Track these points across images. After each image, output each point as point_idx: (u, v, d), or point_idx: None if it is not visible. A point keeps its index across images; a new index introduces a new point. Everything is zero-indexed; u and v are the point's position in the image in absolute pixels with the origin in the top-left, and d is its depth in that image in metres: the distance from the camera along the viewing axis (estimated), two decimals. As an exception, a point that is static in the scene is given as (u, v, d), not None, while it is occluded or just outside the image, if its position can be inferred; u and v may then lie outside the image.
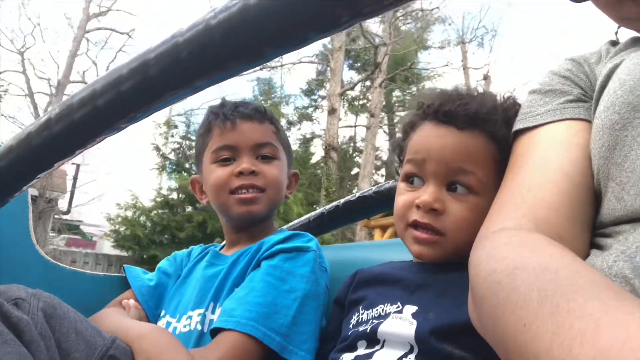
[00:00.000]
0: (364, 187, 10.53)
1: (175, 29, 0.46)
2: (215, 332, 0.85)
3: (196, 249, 1.15)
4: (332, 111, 10.55)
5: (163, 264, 1.15)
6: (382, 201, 1.19)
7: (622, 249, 0.52)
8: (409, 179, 0.81)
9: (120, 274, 1.14)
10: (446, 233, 0.75)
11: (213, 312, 0.94)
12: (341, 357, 0.75)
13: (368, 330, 0.74)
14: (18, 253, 0.92)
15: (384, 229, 8.36)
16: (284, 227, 1.26)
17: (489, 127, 0.76)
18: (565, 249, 0.51)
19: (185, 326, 0.96)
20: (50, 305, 0.68)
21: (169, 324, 0.99)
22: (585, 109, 0.68)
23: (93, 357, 0.69)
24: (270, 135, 1.06)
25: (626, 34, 0.74)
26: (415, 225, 0.77)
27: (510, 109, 0.78)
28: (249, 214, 1.01)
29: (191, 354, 0.76)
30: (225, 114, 1.05)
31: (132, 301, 1.04)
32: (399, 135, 0.87)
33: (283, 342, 0.84)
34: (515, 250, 0.52)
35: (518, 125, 0.72)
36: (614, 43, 0.74)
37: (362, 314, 0.79)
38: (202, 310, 0.95)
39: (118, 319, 0.90)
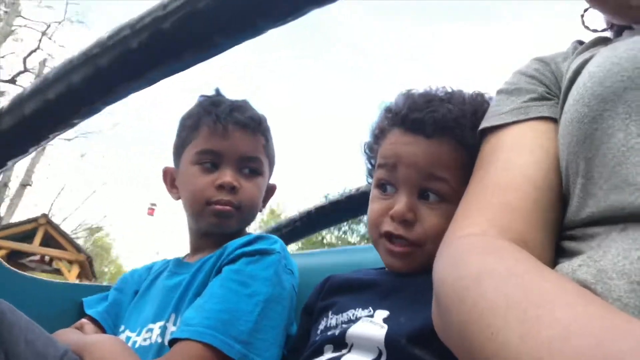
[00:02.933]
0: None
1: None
2: (173, 343, 0.81)
3: (158, 263, 1.12)
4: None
5: (117, 282, 1.12)
6: (353, 206, 1.18)
7: (589, 253, 0.51)
8: (381, 185, 0.80)
9: (83, 282, 1.11)
10: (420, 243, 0.75)
11: (175, 324, 0.90)
12: None
13: (337, 334, 0.73)
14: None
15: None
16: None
17: (458, 134, 0.75)
18: (529, 254, 0.51)
19: (145, 339, 0.92)
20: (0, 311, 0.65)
21: (128, 338, 0.95)
22: (549, 106, 0.68)
23: None
24: (259, 149, 1.02)
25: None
26: (389, 235, 0.76)
27: (479, 110, 0.77)
28: (219, 227, 0.99)
29: None
30: (218, 116, 0.99)
31: (84, 320, 1.00)
32: (369, 138, 0.86)
33: (243, 350, 0.80)
34: (480, 257, 0.51)
35: (484, 124, 0.71)
36: (581, 42, 0.75)
37: (331, 318, 0.78)
38: (162, 323, 0.91)
39: (71, 335, 0.87)
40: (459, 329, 0.47)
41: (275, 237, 0.98)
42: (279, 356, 0.86)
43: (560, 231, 0.60)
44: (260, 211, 1.08)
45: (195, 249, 1.06)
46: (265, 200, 1.10)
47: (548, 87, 0.70)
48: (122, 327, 1.01)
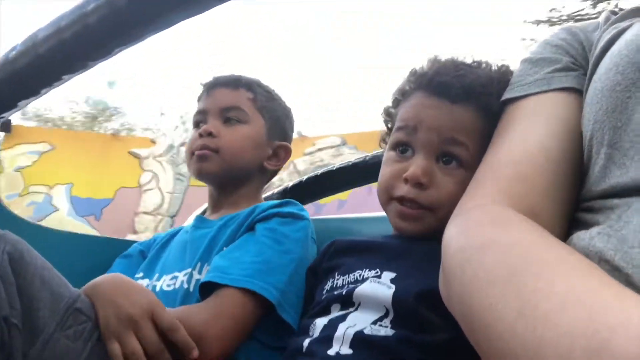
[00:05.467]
0: None
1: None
2: (205, 289, 0.84)
3: (169, 230, 1.15)
4: None
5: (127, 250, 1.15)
6: (362, 173, 1.16)
7: (609, 223, 0.50)
8: (398, 147, 0.78)
9: (98, 235, 1.13)
10: (432, 208, 0.74)
11: (200, 272, 0.92)
12: (314, 322, 0.74)
13: (344, 293, 0.73)
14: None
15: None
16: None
17: (483, 101, 0.74)
18: (537, 225, 0.51)
19: (168, 285, 0.94)
20: (17, 250, 0.65)
21: (147, 286, 0.96)
22: (574, 77, 0.66)
23: (58, 308, 0.66)
24: (241, 100, 1.06)
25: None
26: (401, 199, 0.75)
27: (504, 80, 0.75)
28: (201, 172, 1.04)
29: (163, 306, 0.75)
30: (205, 84, 1.10)
31: None
32: (389, 103, 0.85)
33: (280, 298, 0.83)
34: (485, 228, 0.51)
35: (506, 95, 0.70)
36: (615, 13, 0.72)
37: (338, 279, 0.78)
38: (189, 270, 0.93)
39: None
40: (461, 299, 0.48)
41: (300, 204, 1.02)
42: (300, 316, 0.87)
43: (576, 203, 0.59)
44: (268, 169, 1.09)
45: (213, 207, 1.10)
46: (277, 159, 1.11)
47: (574, 58, 0.68)
48: (141, 274, 1.02)
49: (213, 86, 1.09)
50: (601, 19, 0.72)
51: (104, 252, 1.10)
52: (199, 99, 1.11)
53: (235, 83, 1.08)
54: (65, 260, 0.94)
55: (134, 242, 1.17)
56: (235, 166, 1.04)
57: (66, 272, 0.72)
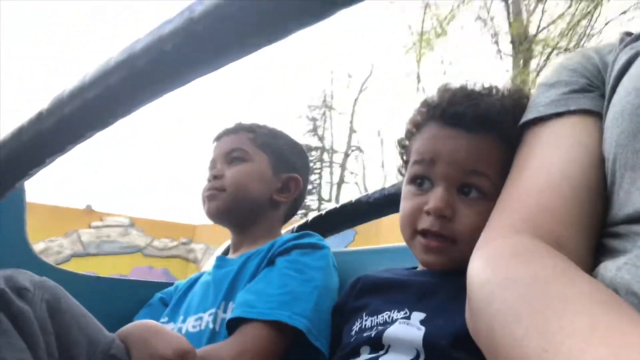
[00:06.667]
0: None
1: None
2: (232, 325, 0.85)
3: (191, 276, 1.18)
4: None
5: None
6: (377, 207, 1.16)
7: (636, 252, 0.49)
8: (416, 181, 0.77)
9: (125, 277, 1.15)
10: (457, 240, 0.72)
11: (225, 312, 0.94)
12: None
13: (373, 335, 0.72)
14: (12, 254, 0.92)
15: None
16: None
17: (499, 129, 0.73)
18: (561, 257, 0.50)
19: (194, 327, 0.95)
20: (55, 298, 0.67)
21: (172, 329, 0.97)
22: (591, 98, 0.65)
23: (95, 354, 0.68)
24: (241, 142, 1.13)
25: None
26: (425, 232, 0.74)
27: (518, 105, 0.74)
28: (209, 211, 1.09)
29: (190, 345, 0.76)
30: (214, 137, 1.18)
31: None
32: (402, 135, 0.84)
33: (309, 325, 0.84)
34: (508, 261, 0.51)
35: (523, 118, 0.69)
36: (630, 34, 0.71)
37: (366, 320, 0.77)
38: (213, 310, 0.95)
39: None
40: (486, 334, 0.47)
41: (319, 235, 1.04)
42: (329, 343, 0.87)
43: (602, 229, 0.58)
44: (278, 202, 1.12)
45: (234, 247, 1.13)
46: (287, 191, 1.13)
47: (590, 80, 0.67)
48: (166, 319, 1.04)
49: (219, 137, 1.16)
50: (617, 40, 0.71)
51: (136, 294, 1.14)
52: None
53: (235, 128, 1.15)
54: (98, 303, 0.97)
55: (167, 283, 1.19)
56: (241, 200, 1.08)
57: (100, 315, 0.74)
